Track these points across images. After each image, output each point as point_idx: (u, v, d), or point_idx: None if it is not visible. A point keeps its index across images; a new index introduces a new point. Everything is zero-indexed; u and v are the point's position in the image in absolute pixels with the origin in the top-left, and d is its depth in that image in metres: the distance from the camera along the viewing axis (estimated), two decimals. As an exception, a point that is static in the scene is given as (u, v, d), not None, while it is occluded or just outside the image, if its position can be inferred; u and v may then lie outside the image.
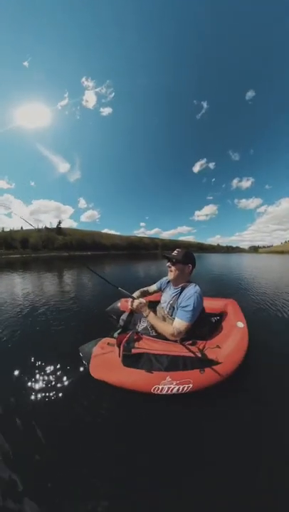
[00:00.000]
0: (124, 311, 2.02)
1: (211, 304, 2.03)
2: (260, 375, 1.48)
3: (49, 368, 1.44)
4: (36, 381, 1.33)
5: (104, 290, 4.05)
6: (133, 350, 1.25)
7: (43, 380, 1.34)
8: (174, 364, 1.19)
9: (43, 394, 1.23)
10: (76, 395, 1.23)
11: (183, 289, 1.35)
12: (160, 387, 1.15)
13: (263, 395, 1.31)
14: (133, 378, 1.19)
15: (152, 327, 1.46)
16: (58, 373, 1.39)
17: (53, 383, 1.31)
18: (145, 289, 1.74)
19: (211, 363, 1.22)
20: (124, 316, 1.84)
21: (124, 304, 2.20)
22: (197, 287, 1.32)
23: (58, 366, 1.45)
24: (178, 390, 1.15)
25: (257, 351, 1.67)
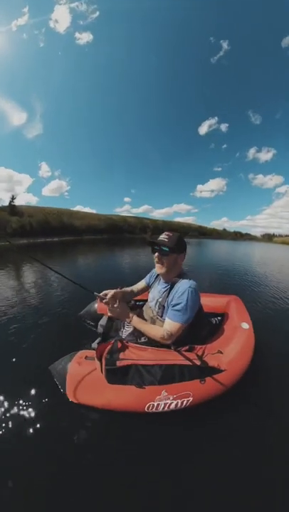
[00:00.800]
0: (102, 315, 1.95)
1: (211, 302, 2.07)
2: (269, 383, 1.54)
3: (11, 400, 1.35)
4: None
5: (75, 289, 3.97)
6: (118, 363, 1.23)
7: (5, 417, 1.25)
8: (169, 375, 1.21)
9: (7, 435, 1.16)
10: (52, 429, 1.18)
11: (174, 283, 1.33)
12: (155, 404, 1.18)
13: (273, 405, 1.37)
14: (122, 397, 1.20)
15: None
16: (25, 404, 1.32)
17: (20, 418, 1.23)
18: (128, 289, 1.64)
19: (212, 371, 1.25)
20: (103, 321, 1.76)
21: (102, 305, 2.11)
22: (192, 281, 1.30)
23: (24, 395, 1.38)
24: (176, 405, 1.18)
25: (265, 356, 1.73)
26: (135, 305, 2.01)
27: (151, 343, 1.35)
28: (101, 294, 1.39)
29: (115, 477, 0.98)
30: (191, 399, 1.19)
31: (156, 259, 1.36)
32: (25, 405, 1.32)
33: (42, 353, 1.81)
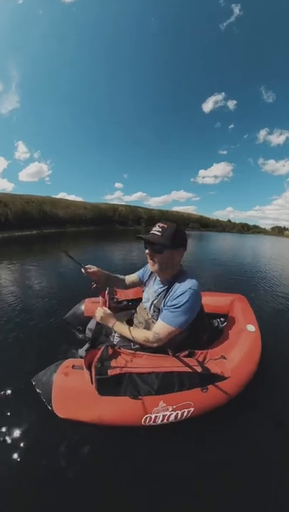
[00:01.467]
0: (90, 318, 1.93)
1: (213, 301, 2.09)
2: (277, 391, 1.58)
3: None
4: None
5: (58, 289, 3.84)
6: (110, 372, 1.23)
7: None
8: (167, 384, 1.22)
9: None
10: (37, 448, 1.19)
11: (172, 283, 1.31)
12: (153, 416, 1.19)
13: (281, 416, 1.41)
14: (115, 410, 1.21)
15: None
16: (5, 422, 1.32)
17: (3, 438, 1.24)
18: (120, 276, 1.69)
19: (215, 378, 1.27)
20: (91, 325, 1.76)
21: (90, 307, 2.11)
22: (193, 281, 1.27)
23: (3, 412, 1.39)
24: (176, 416, 1.19)
25: (272, 361, 1.76)
26: (128, 305, 2.02)
27: (147, 348, 1.35)
28: (86, 266, 1.46)
29: (110, 500, 1.01)
30: (192, 409, 1.21)
31: (148, 256, 1.32)
32: (5, 423, 1.33)
33: (23, 364, 1.79)
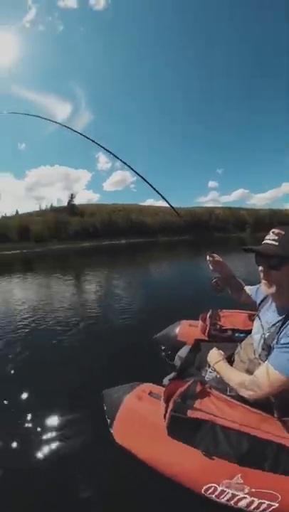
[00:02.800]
0: (184, 343, 2.03)
1: None
2: None
3: (55, 416, 1.73)
4: (34, 434, 1.63)
5: (154, 303, 4.00)
6: (190, 413, 1.23)
7: (45, 432, 1.63)
8: (256, 454, 1.10)
9: (42, 454, 1.52)
10: (84, 466, 1.44)
11: None
12: (219, 489, 1.10)
13: None
14: (178, 460, 1.20)
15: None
16: (66, 425, 1.63)
17: (56, 439, 1.57)
18: (243, 283, 1.78)
19: None
20: (183, 352, 1.86)
21: (186, 331, 2.20)
22: None
23: (68, 414, 1.70)
24: (249, 505, 1.06)
25: None
26: (232, 337, 1.97)
27: (244, 399, 1.26)
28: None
29: None
30: (276, 505, 1.04)
31: (261, 274, 1.26)
32: (65, 427, 1.68)
33: (99, 373, 2.15)
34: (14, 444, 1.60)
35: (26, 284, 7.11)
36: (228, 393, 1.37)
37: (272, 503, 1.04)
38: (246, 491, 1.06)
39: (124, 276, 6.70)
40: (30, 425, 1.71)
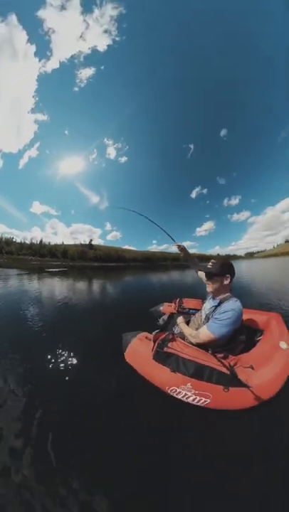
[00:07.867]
0: (164, 314, 2.29)
1: (251, 317, 1.81)
2: None
3: (97, 343, 1.81)
4: (83, 349, 1.71)
5: (150, 294, 4.98)
6: (165, 349, 1.38)
7: (90, 349, 1.70)
8: (199, 372, 1.16)
9: (85, 359, 1.56)
10: (106, 368, 1.50)
11: (221, 302, 1.32)
12: (178, 390, 1.16)
13: None
14: (157, 372, 1.33)
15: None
16: (101, 348, 1.72)
17: (94, 355, 1.64)
18: (199, 264, 1.72)
19: (238, 383, 1.07)
20: (164, 317, 2.13)
21: (166, 308, 2.44)
22: (238, 303, 1.26)
23: (104, 343, 1.80)
24: (193, 400, 1.11)
25: None
26: (190, 312, 2.01)
27: (196, 344, 1.41)
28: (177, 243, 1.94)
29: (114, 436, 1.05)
30: (208, 401, 1.10)
31: (206, 282, 1.46)
32: (101, 350, 1.63)
33: (121, 324, 2.22)
34: (71, 360, 1.63)
35: (64, 279, 8.50)
36: (186, 340, 1.54)
37: (206, 400, 1.09)
38: (192, 392, 1.12)
39: (126, 280, 6.46)
40: (76, 352, 1.77)
